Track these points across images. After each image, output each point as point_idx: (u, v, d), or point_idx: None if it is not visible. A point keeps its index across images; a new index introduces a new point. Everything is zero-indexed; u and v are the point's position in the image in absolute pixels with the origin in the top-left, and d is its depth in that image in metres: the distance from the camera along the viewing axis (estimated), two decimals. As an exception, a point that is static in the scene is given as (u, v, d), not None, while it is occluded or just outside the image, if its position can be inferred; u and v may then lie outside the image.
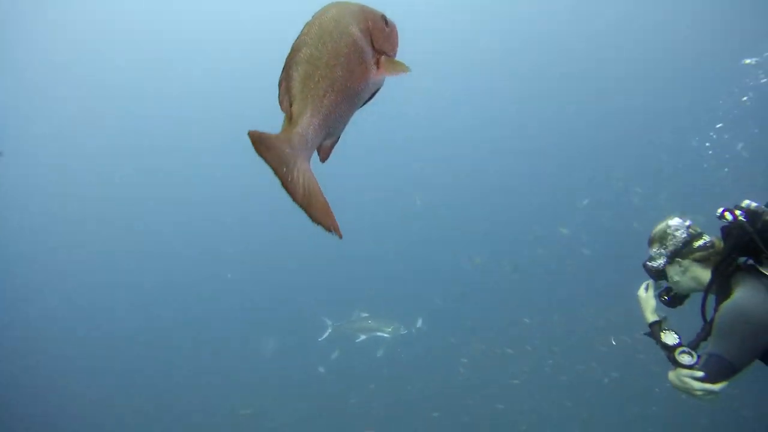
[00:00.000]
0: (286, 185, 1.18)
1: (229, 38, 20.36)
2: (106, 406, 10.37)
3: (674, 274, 2.69)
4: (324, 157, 1.39)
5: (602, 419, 8.60)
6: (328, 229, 1.23)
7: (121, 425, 9.92)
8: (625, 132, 15.33)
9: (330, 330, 10.64)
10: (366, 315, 10.50)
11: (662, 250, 2.70)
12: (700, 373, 2.34)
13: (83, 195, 18.55)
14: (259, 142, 1.15)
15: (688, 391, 2.39)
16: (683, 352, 2.49)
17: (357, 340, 10.25)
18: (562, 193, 14.33)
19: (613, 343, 8.84)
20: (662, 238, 2.71)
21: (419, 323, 10.21)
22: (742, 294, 2.33)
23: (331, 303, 11.50)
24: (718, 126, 10.23)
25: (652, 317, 2.73)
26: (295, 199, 1.19)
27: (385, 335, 10.16)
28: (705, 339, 2.54)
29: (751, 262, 2.42)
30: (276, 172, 1.17)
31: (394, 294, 12.43)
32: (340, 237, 1.24)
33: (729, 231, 2.45)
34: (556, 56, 17.21)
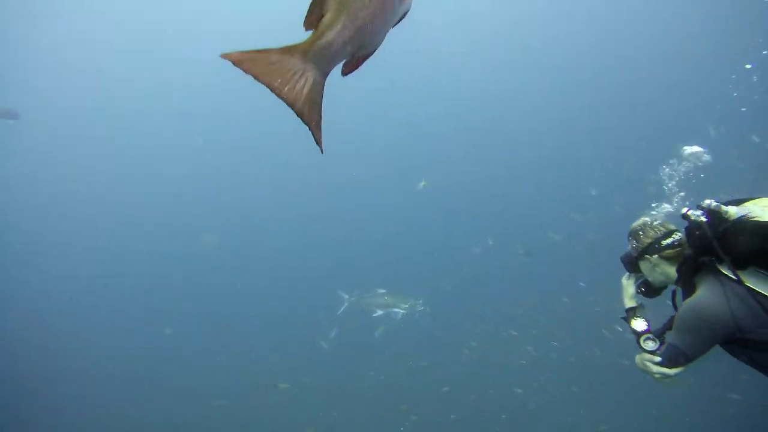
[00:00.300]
0: (282, 96, 1.19)
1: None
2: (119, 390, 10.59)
3: (645, 269, 2.86)
4: (352, 68, 1.41)
5: (607, 401, 8.78)
6: (317, 142, 1.30)
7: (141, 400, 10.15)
8: (638, 117, 15.07)
9: (346, 304, 10.81)
10: (383, 291, 10.55)
11: (635, 246, 2.86)
12: (659, 359, 2.61)
13: (97, 170, 18.71)
14: (247, 60, 1.15)
15: (648, 373, 2.66)
16: (648, 338, 2.75)
17: (374, 315, 10.31)
18: (574, 179, 14.24)
19: (620, 330, 8.97)
20: (636, 235, 2.86)
21: (420, 305, 10.34)
22: (702, 293, 2.48)
23: (347, 279, 11.76)
24: (748, 66, 9.77)
25: (629, 303, 2.97)
26: (293, 108, 1.21)
27: (402, 311, 10.20)
28: (670, 328, 2.74)
29: (714, 259, 2.51)
30: (267, 86, 1.18)
31: (403, 275, 12.58)
32: (322, 152, 1.33)
33: (690, 232, 2.57)
34: (568, 41, 16.90)
